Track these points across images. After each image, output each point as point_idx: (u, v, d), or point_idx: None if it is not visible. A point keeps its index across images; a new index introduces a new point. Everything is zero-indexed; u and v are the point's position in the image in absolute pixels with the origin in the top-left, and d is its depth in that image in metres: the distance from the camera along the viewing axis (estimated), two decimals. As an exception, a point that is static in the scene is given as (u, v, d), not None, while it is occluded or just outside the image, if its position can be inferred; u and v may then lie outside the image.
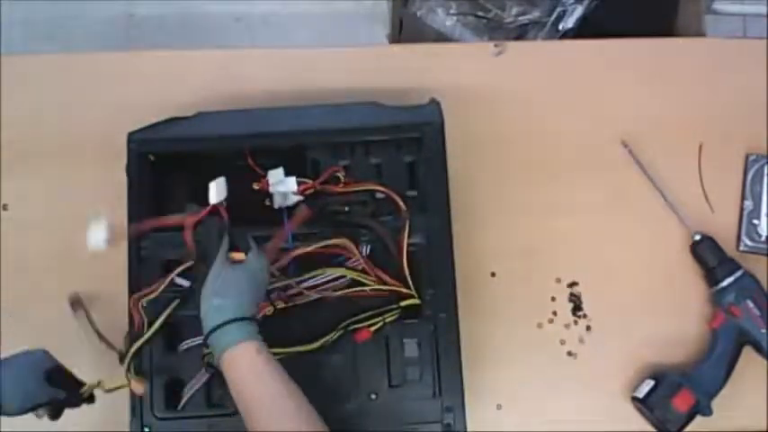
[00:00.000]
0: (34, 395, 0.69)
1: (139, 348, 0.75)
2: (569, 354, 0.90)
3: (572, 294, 0.91)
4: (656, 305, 0.91)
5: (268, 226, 0.81)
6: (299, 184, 0.83)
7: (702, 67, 0.99)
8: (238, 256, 0.73)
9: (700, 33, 1.26)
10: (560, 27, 1.28)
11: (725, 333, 0.87)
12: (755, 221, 0.93)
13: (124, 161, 0.83)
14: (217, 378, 0.76)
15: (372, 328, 0.78)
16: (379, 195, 0.84)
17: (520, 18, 1.29)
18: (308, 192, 0.83)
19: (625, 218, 0.94)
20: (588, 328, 0.91)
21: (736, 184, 0.95)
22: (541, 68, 0.99)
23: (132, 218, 0.81)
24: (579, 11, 1.27)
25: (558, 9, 1.28)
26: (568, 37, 1.28)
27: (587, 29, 1.27)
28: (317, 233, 0.81)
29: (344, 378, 0.79)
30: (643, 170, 0.94)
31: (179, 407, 0.78)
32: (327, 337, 0.78)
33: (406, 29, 1.40)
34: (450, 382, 0.78)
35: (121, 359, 0.75)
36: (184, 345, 0.78)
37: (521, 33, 1.31)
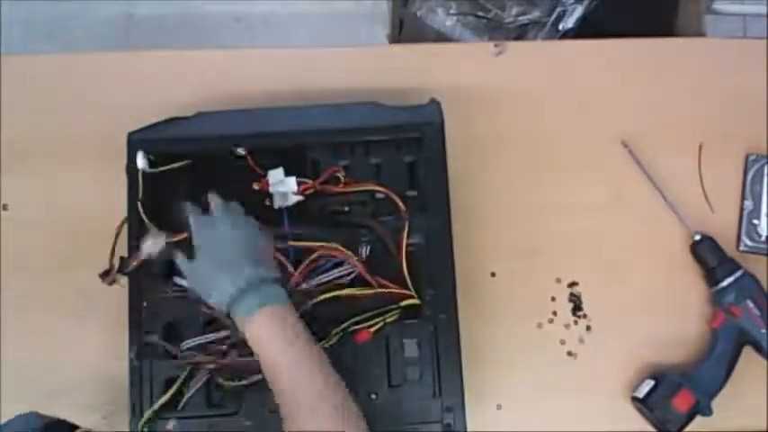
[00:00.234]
0: None
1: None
2: (569, 354, 0.90)
3: (572, 294, 0.91)
4: (656, 305, 0.91)
5: (268, 226, 0.81)
6: (299, 184, 0.83)
7: (702, 67, 0.99)
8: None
9: (700, 33, 1.26)
10: (560, 27, 1.28)
11: (725, 333, 0.87)
12: (755, 221, 0.93)
13: (124, 161, 0.83)
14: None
15: (372, 329, 0.78)
16: (378, 195, 0.84)
17: (520, 18, 1.29)
18: (308, 192, 0.83)
19: (625, 218, 0.94)
20: (588, 328, 0.91)
21: (736, 184, 0.95)
22: (541, 68, 0.99)
23: (132, 218, 0.81)
24: (579, 11, 1.27)
25: (558, 9, 1.28)
26: (568, 37, 1.28)
27: (587, 29, 1.27)
28: (318, 233, 0.82)
29: (344, 378, 0.79)
30: (643, 170, 0.94)
31: (179, 407, 0.78)
32: (327, 339, 0.77)
33: (406, 29, 1.40)
34: (451, 382, 0.78)
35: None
36: (184, 345, 0.78)
37: (521, 33, 1.31)
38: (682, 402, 0.84)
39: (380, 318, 0.79)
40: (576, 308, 0.91)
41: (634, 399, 0.87)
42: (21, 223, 0.92)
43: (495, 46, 0.99)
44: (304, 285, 0.79)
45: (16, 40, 1.64)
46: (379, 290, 0.79)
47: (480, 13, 1.30)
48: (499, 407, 0.88)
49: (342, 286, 0.79)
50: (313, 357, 0.68)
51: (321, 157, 0.86)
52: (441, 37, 1.32)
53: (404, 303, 0.79)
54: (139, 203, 0.80)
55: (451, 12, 1.31)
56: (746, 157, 0.95)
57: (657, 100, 0.97)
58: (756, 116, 0.97)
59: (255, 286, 0.69)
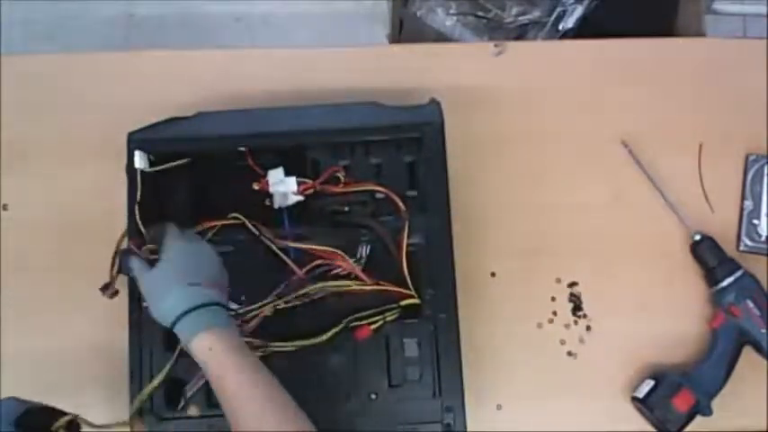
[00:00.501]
0: None
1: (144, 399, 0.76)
2: (569, 354, 0.90)
3: (572, 294, 0.91)
4: (656, 305, 0.91)
5: (268, 226, 0.81)
6: (299, 184, 0.83)
7: (702, 67, 0.99)
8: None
9: (700, 33, 1.26)
10: (560, 27, 1.28)
11: (725, 333, 0.87)
12: (755, 221, 0.93)
13: (124, 161, 0.83)
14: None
15: (373, 326, 0.78)
16: (378, 195, 0.84)
17: (520, 18, 1.29)
18: (307, 192, 0.83)
19: (625, 218, 0.94)
20: (588, 328, 0.91)
21: (736, 184, 0.95)
22: (541, 68, 0.99)
23: (132, 218, 0.81)
24: (579, 11, 1.27)
25: (558, 9, 1.28)
26: (568, 37, 1.28)
27: (587, 29, 1.27)
28: (318, 233, 0.82)
29: (344, 378, 0.79)
30: (643, 170, 0.94)
31: (179, 407, 0.78)
32: (331, 332, 0.77)
33: (406, 29, 1.40)
34: (450, 382, 0.78)
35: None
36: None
37: (521, 33, 1.31)
38: (682, 402, 0.84)
39: (380, 316, 0.79)
40: (576, 308, 0.91)
41: (634, 399, 0.87)
42: (21, 223, 0.92)
43: (495, 46, 0.99)
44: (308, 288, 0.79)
45: (16, 40, 1.64)
46: (379, 287, 0.79)
47: (480, 13, 1.30)
48: (499, 407, 0.88)
49: (338, 277, 0.80)
50: (258, 372, 0.68)
51: (321, 157, 0.86)
52: (441, 37, 1.32)
53: (404, 303, 0.79)
54: (137, 208, 0.80)
55: (451, 12, 1.31)
56: (746, 157, 0.95)
57: (657, 100, 0.97)
58: (756, 116, 0.97)
59: (206, 307, 0.69)
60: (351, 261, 0.80)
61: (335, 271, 0.81)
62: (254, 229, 0.81)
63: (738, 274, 0.88)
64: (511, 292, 0.91)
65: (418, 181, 0.85)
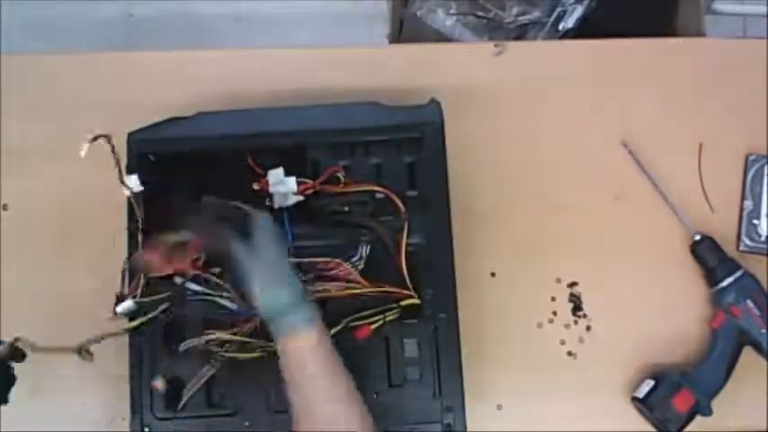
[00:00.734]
0: None
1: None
2: (569, 354, 0.90)
3: (572, 294, 0.91)
4: (655, 305, 0.91)
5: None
6: (299, 184, 0.83)
7: (702, 67, 0.99)
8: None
9: (700, 33, 1.26)
10: (560, 27, 1.28)
11: (725, 333, 0.87)
12: (755, 221, 0.93)
13: (124, 161, 0.83)
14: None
15: (373, 326, 0.78)
16: (378, 195, 0.84)
17: (520, 18, 1.29)
18: (307, 192, 0.83)
19: (625, 218, 0.94)
20: (588, 328, 0.91)
21: (736, 184, 0.95)
22: (541, 68, 0.99)
23: (132, 218, 0.81)
24: (579, 11, 1.27)
25: (558, 9, 1.28)
26: (568, 37, 1.28)
27: (587, 29, 1.27)
28: (318, 233, 0.82)
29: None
30: (643, 170, 0.94)
31: (179, 407, 0.78)
32: (331, 332, 0.77)
33: (406, 29, 1.40)
34: (450, 382, 0.78)
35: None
36: (184, 345, 0.78)
37: (521, 33, 1.31)
38: (682, 402, 0.84)
39: (380, 316, 0.79)
40: (576, 308, 0.91)
41: (634, 399, 0.87)
42: (21, 223, 0.92)
43: (495, 46, 0.99)
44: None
45: (16, 40, 1.64)
46: (379, 289, 0.79)
47: (480, 13, 1.30)
48: (499, 407, 0.88)
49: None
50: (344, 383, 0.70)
51: (321, 157, 0.86)
52: (441, 37, 1.32)
53: (404, 303, 0.79)
54: (139, 233, 0.79)
55: (451, 12, 1.31)
56: (746, 157, 0.95)
57: (657, 100, 0.97)
58: (756, 116, 0.97)
59: (305, 303, 0.70)
60: (349, 267, 0.80)
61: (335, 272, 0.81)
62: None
63: (738, 274, 0.88)
64: (511, 292, 0.91)
65: (418, 181, 0.85)
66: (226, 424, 0.77)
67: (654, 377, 0.86)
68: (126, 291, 0.77)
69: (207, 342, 0.77)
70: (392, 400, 0.79)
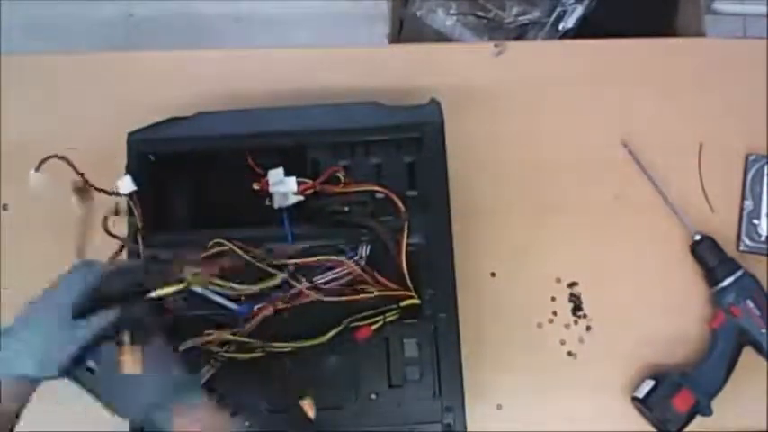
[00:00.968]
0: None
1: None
2: (569, 354, 0.90)
3: (572, 294, 0.91)
4: (656, 305, 0.91)
5: (267, 226, 0.81)
6: (299, 184, 0.83)
7: (702, 67, 0.99)
8: None
9: (700, 33, 1.26)
10: (560, 27, 1.28)
11: (725, 333, 0.87)
12: (755, 221, 0.93)
13: (124, 161, 0.83)
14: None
15: (373, 327, 0.78)
16: (378, 195, 0.84)
17: (520, 18, 1.29)
18: (307, 192, 0.83)
19: (625, 218, 0.94)
20: (588, 328, 0.91)
21: (736, 184, 0.95)
22: (541, 68, 0.99)
23: (132, 218, 0.81)
24: (579, 11, 1.27)
25: (558, 9, 1.28)
26: (568, 37, 1.28)
27: (587, 29, 1.27)
28: (318, 233, 0.82)
29: (344, 378, 0.79)
30: (643, 170, 0.94)
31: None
32: (331, 332, 0.77)
33: (406, 29, 1.40)
34: (450, 382, 0.78)
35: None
36: (184, 345, 0.78)
37: (521, 33, 1.31)
38: (682, 402, 0.84)
39: (380, 317, 0.79)
40: (576, 308, 0.91)
41: (634, 399, 0.87)
42: (21, 223, 0.92)
43: (495, 46, 0.99)
44: (304, 283, 0.79)
45: (16, 40, 1.64)
46: (379, 292, 0.79)
47: (480, 13, 1.30)
48: (499, 407, 0.88)
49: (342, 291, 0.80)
50: None
51: (321, 157, 0.86)
52: (441, 37, 1.32)
53: (404, 303, 0.79)
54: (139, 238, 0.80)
55: (451, 12, 1.31)
56: (746, 157, 0.95)
57: (657, 100, 0.97)
58: (756, 116, 0.97)
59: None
60: (354, 265, 0.80)
61: (337, 274, 0.80)
62: (245, 256, 0.78)
63: (738, 274, 0.88)
64: (511, 292, 0.91)
65: (418, 181, 0.85)
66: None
67: (654, 377, 0.86)
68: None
69: (207, 342, 0.77)
70: (392, 401, 0.79)
